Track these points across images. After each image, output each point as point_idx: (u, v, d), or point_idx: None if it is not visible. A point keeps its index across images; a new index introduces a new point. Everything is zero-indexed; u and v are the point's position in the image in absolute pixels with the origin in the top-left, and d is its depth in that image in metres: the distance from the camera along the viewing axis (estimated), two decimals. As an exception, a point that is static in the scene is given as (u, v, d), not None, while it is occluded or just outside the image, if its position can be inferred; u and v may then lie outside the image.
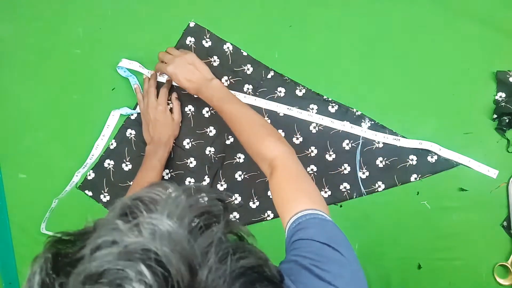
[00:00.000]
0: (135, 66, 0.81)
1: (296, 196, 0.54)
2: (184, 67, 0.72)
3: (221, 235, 0.30)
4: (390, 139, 0.78)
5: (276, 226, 0.81)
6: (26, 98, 0.82)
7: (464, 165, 0.78)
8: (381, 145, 0.79)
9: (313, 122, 0.80)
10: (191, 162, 0.81)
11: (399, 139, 0.78)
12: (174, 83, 0.80)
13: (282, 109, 0.80)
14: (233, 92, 0.80)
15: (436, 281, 0.79)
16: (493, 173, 0.77)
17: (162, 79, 0.81)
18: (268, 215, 0.80)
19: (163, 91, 0.78)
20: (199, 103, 0.81)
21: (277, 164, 0.58)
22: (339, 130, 0.80)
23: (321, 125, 0.80)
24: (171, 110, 0.80)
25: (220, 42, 0.81)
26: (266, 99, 0.80)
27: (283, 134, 0.80)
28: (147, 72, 0.80)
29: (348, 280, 0.43)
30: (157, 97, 0.78)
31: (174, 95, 0.80)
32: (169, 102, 0.80)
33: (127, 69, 0.81)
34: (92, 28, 0.82)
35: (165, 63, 0.74)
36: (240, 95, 0.80)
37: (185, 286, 0.27)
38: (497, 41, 0.78)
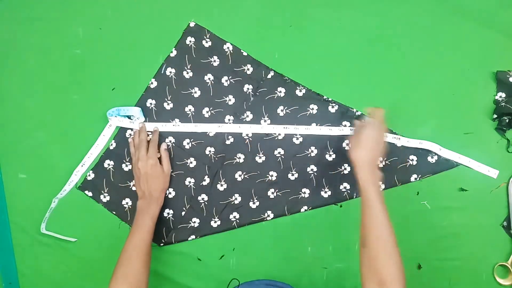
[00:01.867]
0: (126, 123, 0.80)
1: None
2: (369, 136, 0.70)
3: None
4: (389, 138, 0.78)
5: (276, 226, 0.81)
6: (26, 98, 0.82)
7: (464, 165, 0.78)
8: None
9: (313, 122, 0.80)
10: (191, 162, 0.81)
11: (399, 138, 0.78)
12: (164, 130, 0.80)
13: (266, 130, 0.80)
14: (232, 93, 0.81)
15: (436, 281, 0.79)
16: (493, 173, 0.77)
17: (153, 127, 0.80)
18: (268, 215, 0.80)
19: (152, 144, 0.78)
20: (199, 103, 0.81)
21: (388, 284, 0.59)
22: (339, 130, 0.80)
23: (321, 125, 0.80)
24: (160, 160, 0.79)
25: (220, 42, 0.81)
26: (266, 99, 0.80)
27: (283, 134, 0.80)
28: (137, 126, 0.80)
29: None
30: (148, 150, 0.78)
31: (164, 146, 0.80)
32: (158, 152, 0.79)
33: (119, 114, 0.80)
34: (92, 28, 0.82)
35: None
36: (224, 125, 0.80)
37: None
38: (497, 41, 0.78)
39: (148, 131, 0.81)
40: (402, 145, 0.79)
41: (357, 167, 0.68)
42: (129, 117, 0.81)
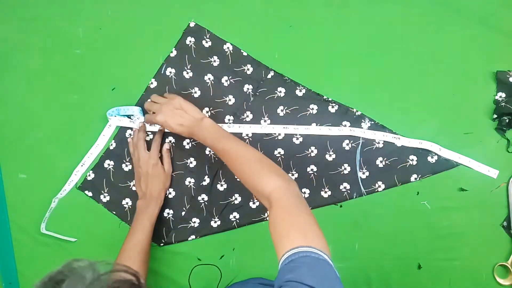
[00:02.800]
0: (125, 122, 0.80)
1: (290, 232, 0.52)
2: (172, 113, 0.72)
3: None
4: (389, 137, 0.78)
5: (276, 226, 0.80)
6: (26, 98, 0.82)
7: (464, 165, 0.78)
8: (381, 145, 0.79)
9: (313, 122, 0.80)
10: (191, 162, 0.81)
11: (399, 138, 0.78)
12: (166, 130, 0.80)
13: (266, 130, 0.80)
14: (232, 93, 0.81)
15: (436, 281, 0.79)
16: (493, 173, 0.77)
17: (154, 128, 0.80)
18: (268, 215, 0.80)
19: (155, 144, 0.78)
20: (199, 103, 0.81)
21: (273, 199, 0.57)
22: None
23: (321, 125, 0.80)
24: (161, 159, 0.79)
25: (220, 42, 0.81)
26: (266, 99, 0.80)
27: (283, 134, 0.80)
28: (137, 125, 0.80)
29: None
30: (148, 149, 0.78)
31: (166, 146, 0.80)
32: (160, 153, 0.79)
33: (118, 114, 0.80)
34: (92, 28, 0.82)
35: (153, 113, 0.74)
36: (224, 126, 0.80)
37: None
38: (497, 41, 0.78)
39: (148, 131, 0.80)
40: (402, 145, 0.79)
41: (192, 135, 0.71)
42: (129, 116, 0.81)
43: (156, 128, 0.80)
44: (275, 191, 0.58)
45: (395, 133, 0.79)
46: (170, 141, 0.81)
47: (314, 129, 0.79)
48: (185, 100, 0.74)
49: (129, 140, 0.81)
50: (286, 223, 0.54)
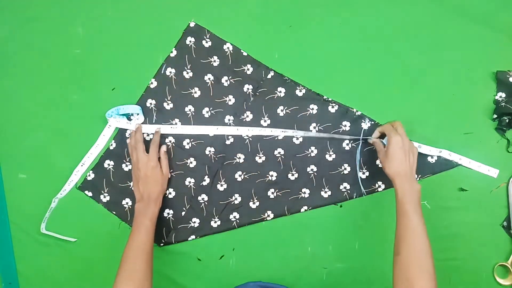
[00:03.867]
0: (123, 123, 0.80)
1: None
2: (396, 148, 0.70)
3: None
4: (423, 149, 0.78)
5: (276, 226, 0.81)
6: (26, 98, 0.82)
7: (465, 166, 0.78)
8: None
9: (313, 122, 0.80)
10: (191, 162, 0.81)
11: (420, 146, 0.78)
12: (163, 132, 0.80)
13: (266, 132, 0.80)
14: (232, 93, 0.81)
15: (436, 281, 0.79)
16: (493, 172, 0.77)
17: (151, 129, 0.80)
18: (268, 215, 0.80)
19: (154, 146, 0.77)
20: (199, 103, 0.81)
21: None
22: (339, 130, 0.80)
23: (321, 125, 0.80)
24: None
25: (220, 42, 0.81)
26: (266, 99, 0.80)
27: (283, 134, 0.80)
28: (133, 127, 0.80)
29: None
30: (147, 151, 0.77)
31: (164, 148, 0.79)
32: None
33: (118, 114, 0.80)
34: (92, 28, 0.82)
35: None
36: (224, 128, 0.80)
37: None
38: (497, 41, 0.78)
39: (145, 132, 0.80)
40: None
41: (395, 179, 0.69)
42: (128, 117, 0.81)
43: (152, 129, 0.80)
44: None
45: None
46: (170, 141, 0.81)
47: (314, 134, 0.79)
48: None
49: (127, 141, 0.80)
50: None
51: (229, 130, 0.80)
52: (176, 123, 0.81)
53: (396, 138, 0.70)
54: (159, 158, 0.78)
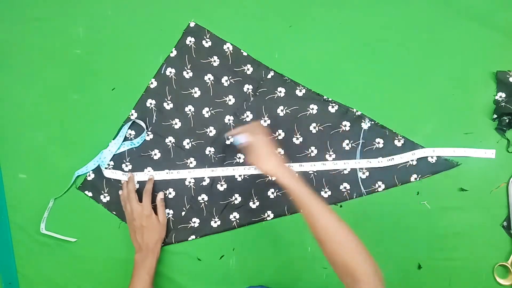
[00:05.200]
0: (118, 175, 0.80)
1: None
2: (262, 148, 0.70)
3: None
4: (384, 162, 0.78)
5: (276, 226, 0.81)
6: (26, 98, 0.82)
7: (461, 156, 0.78)
8: (381, 145, 0.79)
9: (313, 122, 0.80)
10: (191, 162, 0.81)
11: (393, 158, 0.78)
12: (156, 178, 0.80)
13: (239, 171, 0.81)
14: (232, 93, 0.81)
15: (436, 281, 0.79)
16: (490, 153, 0.77)
17: (144, 177, 0.80)
18: (268, 215, 0.80)
19: (147, 194, 0.77)
20: (199, 103, 0.81)
21: (362, 281, 0.58)
22: (339, 130, 0.80)
23: (321, 125, 0.80)
24: (154, 209, 0.78)
25: (220, 42, 0.81)
26: (266, 99, 0.81)
27: (283, 134, 0.80)
28: (126, 177, 0.80)
29: None
30: (140, 201, 0.77)
31: (160, 195, 0.79)
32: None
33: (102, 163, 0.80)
34: (92, 28, 0.82)
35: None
36: (218, 169, 0.80)
37: None
38: (497, 41, 0.78)
39: (138, 181, 0.80)
40: (402, 145, 0.79)
41: (273, 175, 0.68)
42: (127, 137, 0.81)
43: (146, 177, 0.80)
44: (368, 276, 0.59)
45: (395, 134, 0.79)
46: (170, 141, 0.81)
47: (329, 164, 0.80)
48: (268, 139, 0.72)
49: (120, 193, 0.80)
50: None
51: (223, 173, 0.81)
52: (176, 123, 0.81)
53: (259, 137, 0.70)
54: (154, 205, 0.78)
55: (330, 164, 0.79)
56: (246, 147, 0.72)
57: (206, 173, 0.81)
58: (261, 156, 0.69)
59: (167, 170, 0.81)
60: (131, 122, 0.81)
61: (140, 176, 0.80)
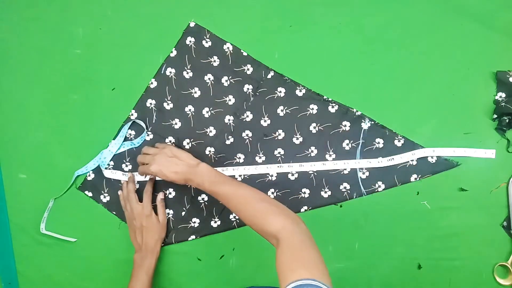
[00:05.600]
0: (118, 175, 0.80)
1: (294, 267, 0.52)
2: (166, 161, 0.71)
3: None
4: (384, 162, 0.78)
5: (276, 226, 0.80)
6: (26, 98, 0.82)
7: (461, 156, 0.78)
8: (381, 145, 0.79)
9: (313, 122, 0.80)
10: (191, 162, 0.81)
11: (392, 158, 0.78)
12: (158, 178, 0.80)
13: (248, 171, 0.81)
14: (232, 93, 0.81)
15: (436, 281, 0.79)
16: (490, 153, 0.77)
17: (144, 178, 0.80)
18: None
19: (147, 194, 0.77)
20: (199, 103, 0.81)
21: (281, 237, 0.57)
22: (339, 130, 0.80)
23: (321, 125, 0.80)
24: (154, 209, 0.79)
25: (220, 42, 0.81)
26: (266, 99, 0.81)
27: (283, 134, 0.80)
28: (126, 177, 0.80)
29: None
30: (140, 201, 0.77)
31: (160, 196, 0.79)
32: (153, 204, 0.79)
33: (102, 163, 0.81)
34: (92, 28, 0.82)
35: (147, 164, 0.73)
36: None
37: None
38: (497, 41, 0.78)
39: (138, 181, 0.80)
40: (402, 145, 0.79)
41: (190, 183, 0.70)
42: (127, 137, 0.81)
43: (146, 177, 0.80)
44: (283, 230, 0.58)
45: (395, 134, 0.79)
46: (170, 141, 0.81)
47: (330, 164, 0.80)
48: (177, 148, 0.74)
49: (119, 193, 0.80)
50: (292, 259, 0.54)
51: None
52: (176, 123, 0.81)
53: (153, 166, 0.71)
54: (154, 206, 0.78)
55: (330, 164, 0.79)
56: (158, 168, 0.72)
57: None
58: (167, 176, 0.70)
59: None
60: (131, 122, 0.81)
61: (140, 176, 0.80)
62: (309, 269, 0.51)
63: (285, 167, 0.80)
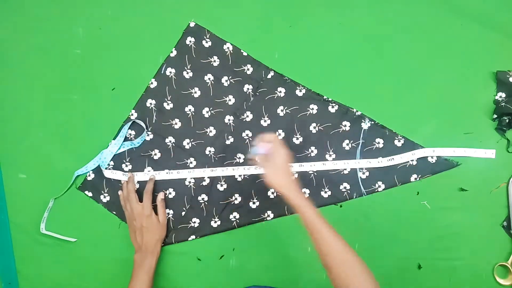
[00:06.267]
0: (119, 175, 0.80)
1: None
2: (281, 163, 0.68)
3: None
4: (384, 162, 0.79)
5: (276, 226, 0.81)
6: (26, 98, 0.82)
7: (461, 156, 0.78)
8: (381, 145, 0.79)
9: (313, 122, 0.80)
10: (191, 162, 0.81)
11: (392, 158, 0.78)
12: (157, 178, 0.80)
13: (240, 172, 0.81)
14: (232, 93, 0.81)
15: (436, 281, 0.79)
16: (490, 153, 0.77)
17: (145, 177, 0.80)
18: (268, 215, 0.80)
19: (147, 194, 0.77)
20: (199, 103, 0.81)
21: None
22: (339, 130, 0.80)
23: (321, 125, 0.80)
24: (154, 209, 0.78)
25: (220, 42, 0.81)
26: (266, 99, 0.81)
27: (283, 134, 0.80)
28: (126, 177, 0.80)
29: None
30: (140, 201, 0.77)
31: (161, 196, 0.79)
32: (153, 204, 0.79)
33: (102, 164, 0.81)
34: (92, 28, 0.82)
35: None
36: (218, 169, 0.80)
37: None
38: (497, 41, 0.78)
39: (138, 181, 0.80)
40: (402, 145, 0.79)
41: (285, 193, 0.66)
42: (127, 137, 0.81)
43: (146, 177, 0.80)
44: None
45: (395, 134, 0.79)
46: (170, 141, 0.81)
47: (329, 164, 0.80)
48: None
49: (119, 193, 0.80)
50: None
51: (222, 173, 0.80)
52: (176, 123, 0.81)
53: (284, 150, 0.69)
54: (154, 206, 0.78)
55: (330, 164, 0.79)
56: (263, 158, 0.70)
57: (206, 173, 0.81)
58: (278, 171, 0.68)
59: (167, 170, 0.81)
60: (131, 122, 0.81)
61: (140, 176, 0.80)
62: None
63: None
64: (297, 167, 0.80)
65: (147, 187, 0.78)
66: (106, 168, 0.80)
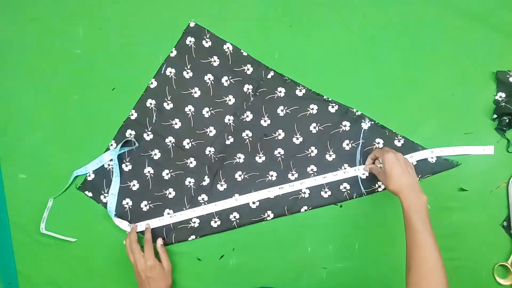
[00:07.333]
0: (124, 225, 0.80)
1: None
2: (392, 167, 0.69)
3: None
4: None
5: (276, 226, 0.81)
6: (26, 98, 0.82)
7: (460, 154, 0.78)
8: (381, 146, 0.79)
9: (313, 122, 0.80)
10: (191, 162, 0.81)
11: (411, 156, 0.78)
12: (155, 226, 0.79)
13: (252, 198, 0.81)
14: (232, 93, 0.81)
15: (436, 281, 0.79)
16: (489, 149, 0.77)
17: (158, 223, 0.80)
18: (268, 215, 0.80)
19: (147, 244, 0.76)
20: (199, 103, 0.81)
21: None
22: (339, 130, 0.80)
23: (321, 125, 0.80)
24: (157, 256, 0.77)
25: (220, 42, 0.81)
26: (266, 99, 0.81)
27: (283, 134, 0.80)
28: (129, 228, 0.79)
29: None
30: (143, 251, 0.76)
31: (159, 242, 0.78)
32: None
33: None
34: (92, 28, 0.82)
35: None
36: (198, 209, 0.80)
37: None
38: (497, 41, 0.78)
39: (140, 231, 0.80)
40: (402, 145, 0.79)
41: (399, 193, 0.67)
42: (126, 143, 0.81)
43: (158, 223, 0.80)
44: None
45: (395, 134, 0.79)
46: (170, 141, 0.81)
47: (330, 177, 0.80)
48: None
49: (124, 242, 0.79)
50: None
51: (218, 207, 0.80)
52: (176, 123, 0.81)
53: (388, 155, 0.70)
54: (156, 253, 0.77)
55: (331, 176, 0.79)
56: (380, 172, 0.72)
57: (210, 208, 0.81)
58: (390, 175, 0.69)
59: (169, 212, 0.81)
60: (124, 140, 0.80)
61: (142, 227, 0.80)
62: None
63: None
64: (299, 185, 0.79)
65: (145, 237, 0.78)
66: (105, 169, 0.80)
